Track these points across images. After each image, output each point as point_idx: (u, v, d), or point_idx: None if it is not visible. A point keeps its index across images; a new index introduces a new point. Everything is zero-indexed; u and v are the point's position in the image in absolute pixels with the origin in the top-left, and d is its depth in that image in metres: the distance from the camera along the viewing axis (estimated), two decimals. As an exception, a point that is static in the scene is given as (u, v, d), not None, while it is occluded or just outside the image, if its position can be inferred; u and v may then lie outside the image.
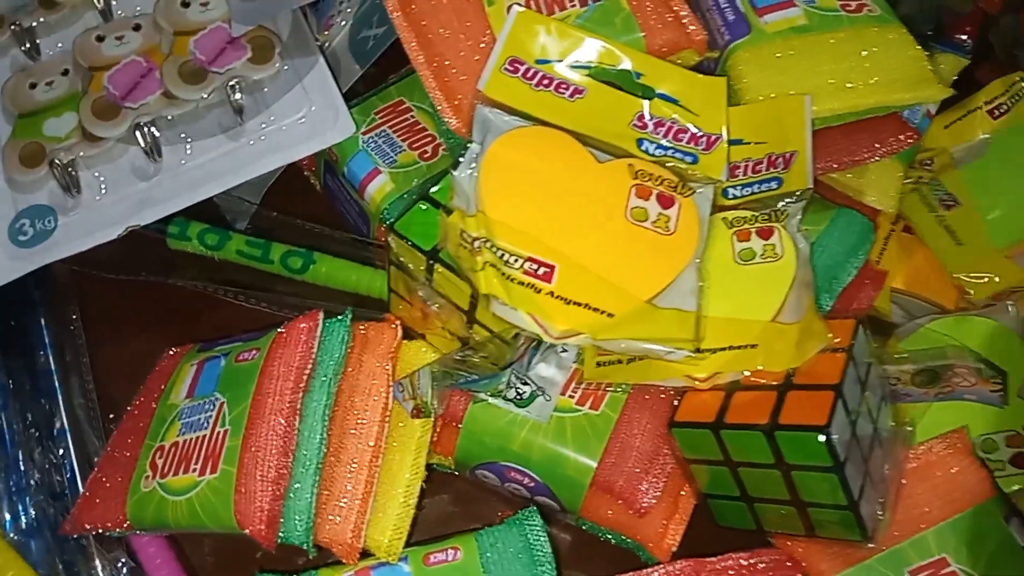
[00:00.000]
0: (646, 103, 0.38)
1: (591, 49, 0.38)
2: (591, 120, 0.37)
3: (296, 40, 0.45)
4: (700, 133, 0.37)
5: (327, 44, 0.47)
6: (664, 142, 0.37)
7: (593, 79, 0.38)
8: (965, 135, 0.49)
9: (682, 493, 0.40)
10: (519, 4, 0.39)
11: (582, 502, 0.40)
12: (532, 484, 0.40)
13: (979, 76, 0.54)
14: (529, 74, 0.38)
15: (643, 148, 0.37)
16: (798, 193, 0.38)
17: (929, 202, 0.48)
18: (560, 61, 0.38)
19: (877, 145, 0.43)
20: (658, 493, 0.39)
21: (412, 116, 0.47)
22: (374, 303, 0.45)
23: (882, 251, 0.48)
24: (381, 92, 0.48)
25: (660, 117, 0.38)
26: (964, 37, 0.51)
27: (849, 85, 0.40)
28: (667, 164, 0.37)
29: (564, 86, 0.38)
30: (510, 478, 0.41)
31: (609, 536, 0.42)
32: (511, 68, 0.38)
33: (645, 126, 0.37)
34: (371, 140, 0.46)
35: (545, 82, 0.37)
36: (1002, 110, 0.49)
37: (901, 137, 0.43)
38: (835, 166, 0.43)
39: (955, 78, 0.50)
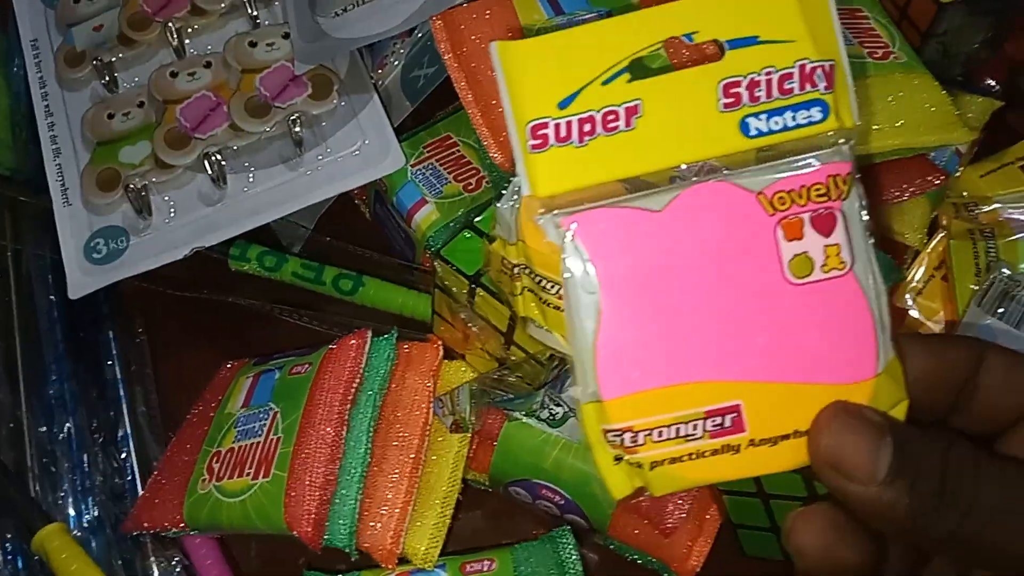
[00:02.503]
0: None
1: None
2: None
3: (353, 78, 0.49)
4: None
5: (380, 82, 0.50)
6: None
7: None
8: (1001, 187, 0.50)
9: (707, 516, 0.42)
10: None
11: (610, 521, 0.42)
12: (562, 502, 0.42)
13: (1011, 120, 0.55)
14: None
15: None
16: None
17: (979, 263, 0.48)
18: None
19: (905, 185, 0.45)
20: (683, 515, 0.40)
21: (458, 150, 0.50)
22: (417, 324, 0.48)
23: (920, 291, 0.50)
24: (429, 127, 0.51)
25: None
26: (992, 83, 0.53)
27: (875, 127, 0.42)
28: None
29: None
30: (541, 495, 0.43)
31: (635, 556, 0.43)
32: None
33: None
34: (419, 172, 0.49)
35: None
36: None
37: (929, 178, 0.45)
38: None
39: (986, 121, 0.51)
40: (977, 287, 0.47)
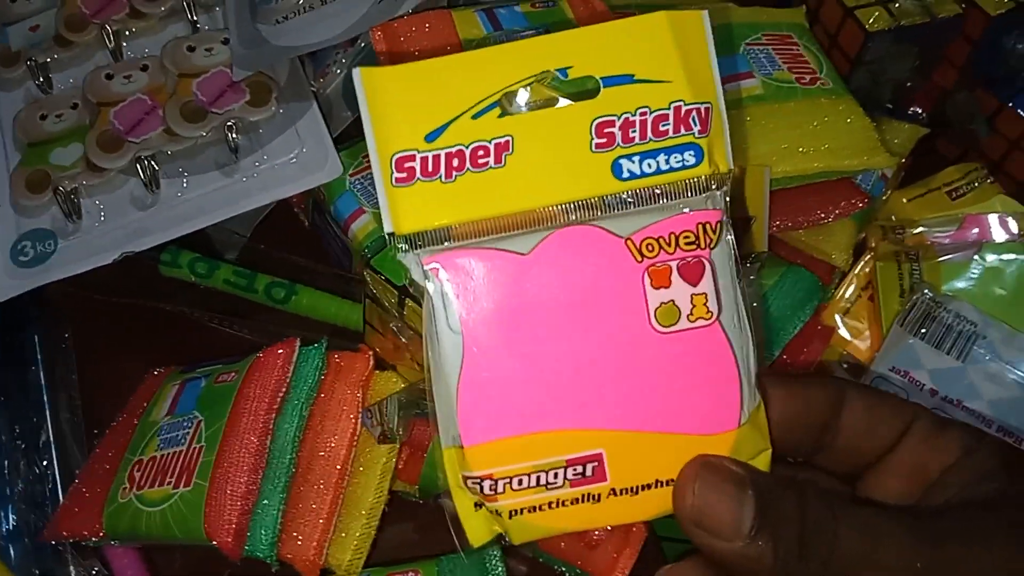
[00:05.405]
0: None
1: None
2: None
3: (292, 86, 0.49)
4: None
5: (322, 91, 0.50)
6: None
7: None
8: (927, 211, 0.52)
9: (633, 528, 0.42)
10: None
11: (537, 532, 0.42)
12: (491, 513, 0.42)
13: (940, 147, 0.57)
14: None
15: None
16: (753, 256, 0.41)
17: (903, 285, 0.49)
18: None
19: (830, 207, 0.46)
20: (608, 527, 0.41)
21: (397, 161, 0.50)
22: (351, 334, 0.47)
23: (847, 311, 0.51)
24: (370, 137, 0.51)
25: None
26: (919, 110, 0.54)
27: (801, 150, 0.43)
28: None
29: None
30: (471, 507, 0.43)
31: (563, 568, 0.44)
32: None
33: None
34: (358, 182, 0.49)
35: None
36: (960, 192, 0.52)
37: (853, 201, 0.46)
38: (790, 225, 0.46)
39: (912, 147, 0.53)
40: (901, 308, 0.48)
